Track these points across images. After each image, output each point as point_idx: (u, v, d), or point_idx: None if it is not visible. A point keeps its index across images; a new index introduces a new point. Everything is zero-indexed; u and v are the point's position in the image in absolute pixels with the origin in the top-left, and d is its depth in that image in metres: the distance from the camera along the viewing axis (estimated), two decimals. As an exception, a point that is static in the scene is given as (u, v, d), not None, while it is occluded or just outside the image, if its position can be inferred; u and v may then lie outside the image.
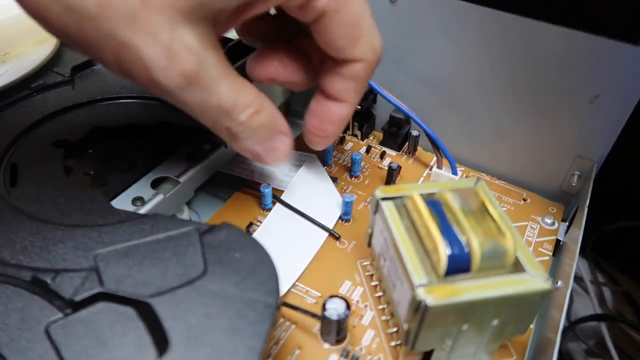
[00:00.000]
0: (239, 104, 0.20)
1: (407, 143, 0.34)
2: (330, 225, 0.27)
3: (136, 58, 0.17)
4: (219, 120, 0.20)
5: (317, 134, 0.25)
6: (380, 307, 0.23)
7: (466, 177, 0.33)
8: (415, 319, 0.18)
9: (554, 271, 0.27)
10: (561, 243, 0.29)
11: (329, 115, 0.24)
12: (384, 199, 0.22)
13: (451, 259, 0.19)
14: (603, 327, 0.31)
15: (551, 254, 0.28)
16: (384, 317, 0.23)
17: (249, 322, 0.16)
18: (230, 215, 0.28)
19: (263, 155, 0.23)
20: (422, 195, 0.21)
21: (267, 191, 0.28)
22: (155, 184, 0.27)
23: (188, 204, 0.29)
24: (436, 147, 0.30)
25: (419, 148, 0.34)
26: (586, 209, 0.26)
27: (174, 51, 0.17)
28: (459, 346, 0.20)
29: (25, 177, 0.24)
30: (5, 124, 0.27)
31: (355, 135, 0.35)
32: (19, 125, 0.27)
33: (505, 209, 0.30)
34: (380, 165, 0.33)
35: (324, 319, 0.21)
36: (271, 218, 0.27)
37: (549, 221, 0.29)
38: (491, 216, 0.20)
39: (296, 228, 0.27)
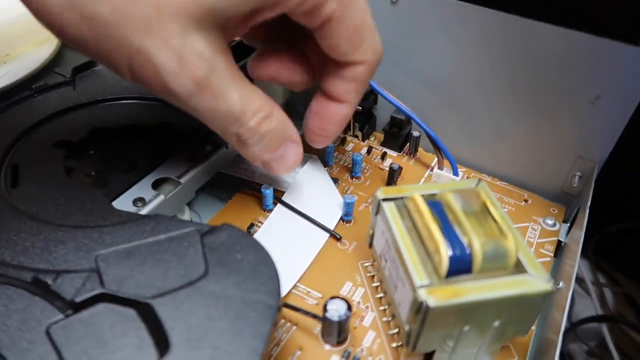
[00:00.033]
0: (249, 110, 0.20)
1: (408, 144, 0.34)
2: (332, 226, 0.27)
3: (149, 64, 0.18)
4: (229, 126, 0.20)
5: (318, 134, 0.26)
6: (382, 308, 0.23)
7: (467, 178, 0.32)
8: (416, 320, 0.18)
9: (555, 272, 0.27)
10: (562, 244, 0.28)
11: (330, 115, 0.25)
12: (385, 199, 0.22)
13: (452, 260, 0.19)
14: (604, 328, 0.31)
15: (552, 255, 0.28)
16: (385, 318, 0.23)
17: (250, 323, 0.16)
18: (231, 216, 0.28)
19: (272, 164, 0.23)
20: (423, 196, 0.21)
21: (268, 192, 0.28)
22: (156, 185, 0.27)
23: (189, 204, 0.29)
24: (437, 148, 0.30)
25: (420, 149, 0.34)
26: (587, 210, 0.26)
27: (186, 57, 0.18)
28: (460, 347, 0.20)
29: (27, 177, 0.24)
30: (6, 125, 0.27)
31: (357, 136, 0.35)
32: (20, 126, 0.27)
33: (506, 209, 0.30)
34: (381, 166, 0.33)
35: (325, 320, 0.21)
36: (272, 219, 0.27)
37: (550, 222, 0.29)
38: (492, 217, 0.20)
39: (297, 229, 0.27)
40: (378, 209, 0.22)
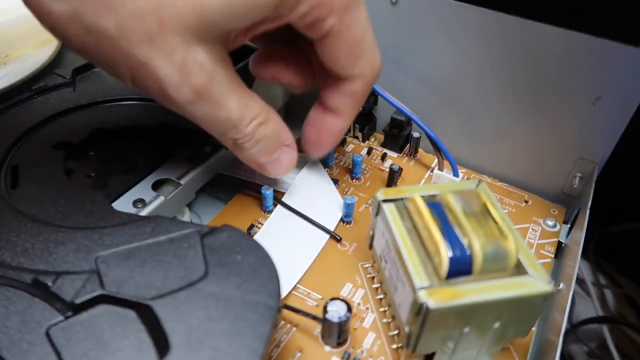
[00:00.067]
0: (246, 116, 0.21)
1: (408, 145, 0.34)
2: (332, 227, 0.27)
3: (151, 75, 0.18)
4: (226, 132, 0.21)
5: (314, 144, 0.26)
6: (382, 309, 0.23)
7: (467, 178, 0.32)
8: (416, 322, 0.18)
9: (555, 273, 0.27)
10: (563, 245, 0.28)
11: (326, 126, 0.25)
12: (385, 200, 0.22)
13: (453, 261, 0.19)
14: (605, 330, 0.31)
15: (553, 256, 0.28)
16: (385, 320, 0.23)
17: (250, 325, 0.16)
18: (231, 217, 0.28)
19: (267, 167, 0.24)
20: (423, 197, 0.21)
21: (268, 193, 0.28)
22: (156, 186, 0.27)
23: (189, 206, 0.29)
24: (437, 148, 0.30)
25: (420, 150, 0.34)
26: (588, 211, 0.26)
27: (187, 69, 0.18)
28: (460, 349, 0.20)
29: (27, 179, 0.24)
30: (6, 126, 0.27)
31: (357, 137, 0.35)
32: (20, 127, 0.27)
33: (506, 210, 0.30)
34: (381, 167, 0.33)
35: (325, 322, 0.21)
36: (272, 220, 0.27)
37: (550, 223, 0.29)
38: (493, 218, 0.20)
39: (297, 230, 0.27)
40: (378, 210, 0.22)
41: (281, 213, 0.28)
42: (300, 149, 0.26)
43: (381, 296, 0.24)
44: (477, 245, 0.19)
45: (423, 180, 0.32)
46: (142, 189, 0.26)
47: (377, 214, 0.23)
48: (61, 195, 0.22)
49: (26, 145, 0.26)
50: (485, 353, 0.21)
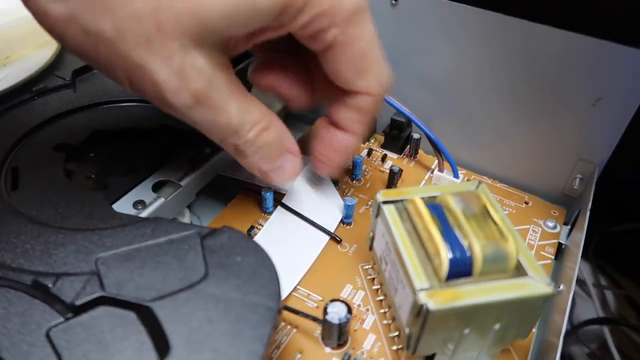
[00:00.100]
0: (247, 122, 0.21)
1: (409, 146, 0.34)
2: (332, 228, 0.27)
3: (149, 79, 0.18)
4: (227, 138, 0.21)
5: (321, 160, 0.25)
6: (382, 311, 0.23)
7: (468, 180, 0.32)
8: (416, 323, 0.18)
9: (556, 274, 0.27)
10: (563, 246, 0.28)
11: (334, 143, 0.24)
12: (385, 202, 0.22)
13: (453, 262, 0.19)
14: (606, 331, 0.31)
15: (553, 257, 0.27)
16: (385, 321, 0.23)
17: (250, 326, 0.16)
18: (231, 219, 0.28)
19: (270, 174, 0.23)
20: (423, 198, 0.21)
21: (269, 195, 0.28)
22: (156, 188, 0.27)
23: (189, 207, 0.29)
24: (437, 150, 0.30)
25: (420, 151, 0.34)
26: (588, 212, 0.26)
27: (185, 73, 0.18)
28: (460, 350, 0.20)
29: (27, 180, 0.24)
30: (6, 128, 0.27)
31: (357, 139, 0.35)
32: (20, 128, 0.27)
33: (507, 212, 0.30)
34: (381, 169, 0.33)
35: (325, 323, 0.21)
36: (272, 221, 0.27)
37: (551, 224, 0.29)
38: (493, 219, 0.20)
39: (297, 231, 0.27)
40: (378, 212, 0.22)
41: (281, 214, 0.28)
42: (302, 151, 0.25)
43: (381, 298, 0.24)
44: (477, 246, 0.19)
45: (423, 181, 0.32)
46: (142, 191, 0.26)
47: (377, 215, 0.23)
48: (61, 197, 0.22)
49: (26, 147, 0.26)
50: (485, 354, 0.21)
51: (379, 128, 0.36)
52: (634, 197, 0.34)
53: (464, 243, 0.19)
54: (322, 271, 0.25)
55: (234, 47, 0.20)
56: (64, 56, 0.35)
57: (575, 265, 0.23)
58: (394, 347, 0.22)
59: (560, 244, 0.28)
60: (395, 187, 0.31)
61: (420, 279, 0.19)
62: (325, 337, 0.22)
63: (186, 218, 0.29)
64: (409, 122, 0.33)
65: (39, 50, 0.34)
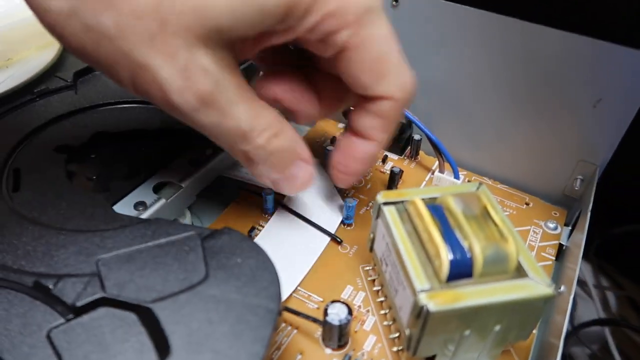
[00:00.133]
0: (257, 127, 0.20)
1: (409, 147, 0.34)
2: (332, 229, 0.27)
3: (152, 78, 0.17)
4: (236, 144, 0.20)
5: (340, 170, 0.24)
6: (382, 312, 0.23)
7: (468, 181, 0.32)
8: (417, 325, 0.18)
9: (556, 276, 0.27)
10: (564, 247, 0.28)
11: (353, 151, 0.23)
12: (385, 203, 0.22)
13: (453, 264, 0.19)
14: (607, 332, 0.31)
15: (554, 258, 0.27)
16: (385, 323, 0.23)
17: (250, 327, 0.16)
18: (232, 220, 0.28)
19: (281, 183, 0.22)
20: (424, 199, 0.21)
21: (269, 196, 0.28)
22: (157, 189, 0.27)
23: (190, 208, 0.29)
24: (438, 151, 0.30)
25: (421, 152, 0.34)
26: (589, 213, 0.26)
27: (190, 73, 0.17)
28: (461, 352, 0.20)
29: (28, 182, 0.24)
30: (8, 129, 0.27)
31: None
32: (21, 130, 0.27)
33: (507, 213, 0.30)
34: (382, 170, 0.33)
35: (325, 324, 0.21)
36: (273, 223, 0.27)
37: (551, 225, 0.29)
38: (493, 221, 0.20)
39: (298, 233, 0.27)
40: (379, 213, 0.22)
41: (282, 216, 0.28)
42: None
43: (382, 299, 0.24)
44: (477, 248, 0.19)
45: (424, 182, 0.32)
46: (143, 192, 0.26)
47: (377, 216, 0.23)
48: (62, 198, 0.22)
49: (28, 148, 0.26)
50: (486, 356, 0.21)
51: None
52: (635, 198, 0.34)
53: (465, 244, 0.19)
54: (322, 272, 0.25)
55: (240, 51, 0.20)
56: (65, 58, 0.35)
57: (576, 266, 0.23)
58: (395, 349, 0.22)
59: (561, 245, 0.28)
60: (396, 188, 0.31)
61: (420, 280, 0.19)
62: (326, 338, 0.22)
63: (187, 219, 0.29)
64: (409, 123, 0.33)
65: (41, 52, 0.34)
